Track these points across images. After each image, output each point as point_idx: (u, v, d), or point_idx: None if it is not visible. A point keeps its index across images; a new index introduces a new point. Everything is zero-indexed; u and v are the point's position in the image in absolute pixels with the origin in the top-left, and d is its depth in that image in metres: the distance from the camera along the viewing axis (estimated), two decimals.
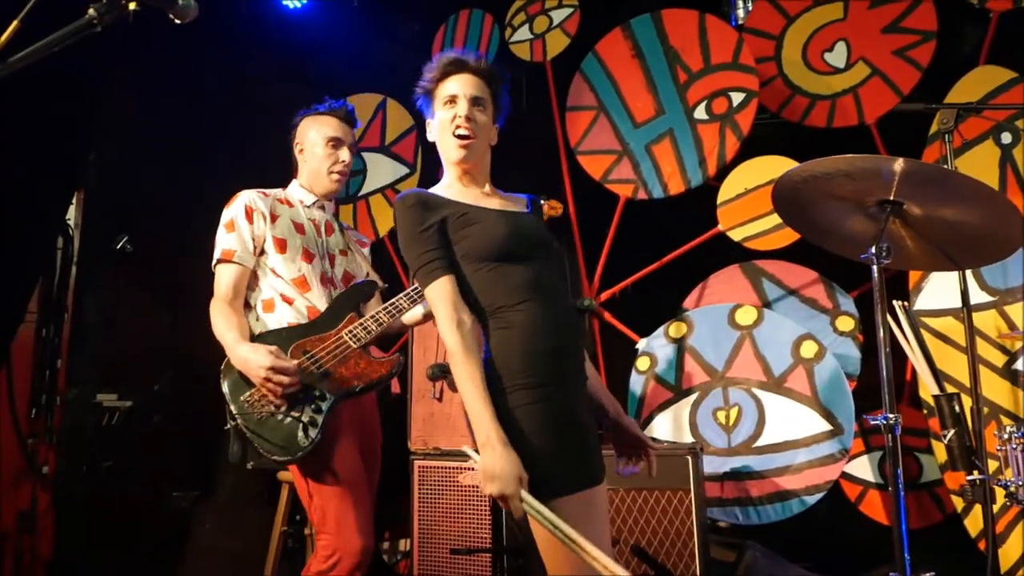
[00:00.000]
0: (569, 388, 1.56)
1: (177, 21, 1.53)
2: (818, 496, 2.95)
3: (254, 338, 2.06)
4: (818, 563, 3.02)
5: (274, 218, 2.16)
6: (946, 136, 2.15)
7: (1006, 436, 1.76)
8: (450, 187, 1.70)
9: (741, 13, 3.88)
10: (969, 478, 1.85)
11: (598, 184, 3.64)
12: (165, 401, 3.54)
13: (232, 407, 1.97)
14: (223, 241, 2.12)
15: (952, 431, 2.04)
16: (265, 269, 2.14)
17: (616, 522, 2.56)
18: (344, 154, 2.25)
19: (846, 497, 3.16)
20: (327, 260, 2.23)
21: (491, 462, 1.38)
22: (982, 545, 2.86)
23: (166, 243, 3.70)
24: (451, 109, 1.67)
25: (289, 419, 1.96)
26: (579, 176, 3.72)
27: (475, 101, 1.67)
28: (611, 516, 2.57)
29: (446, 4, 4.17)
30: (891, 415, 1.65)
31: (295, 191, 2.29)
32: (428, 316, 2.21)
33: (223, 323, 2.03)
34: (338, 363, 2.05)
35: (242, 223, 2.12)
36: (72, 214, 3.48)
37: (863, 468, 3.17)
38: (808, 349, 3.07)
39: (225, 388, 2.00)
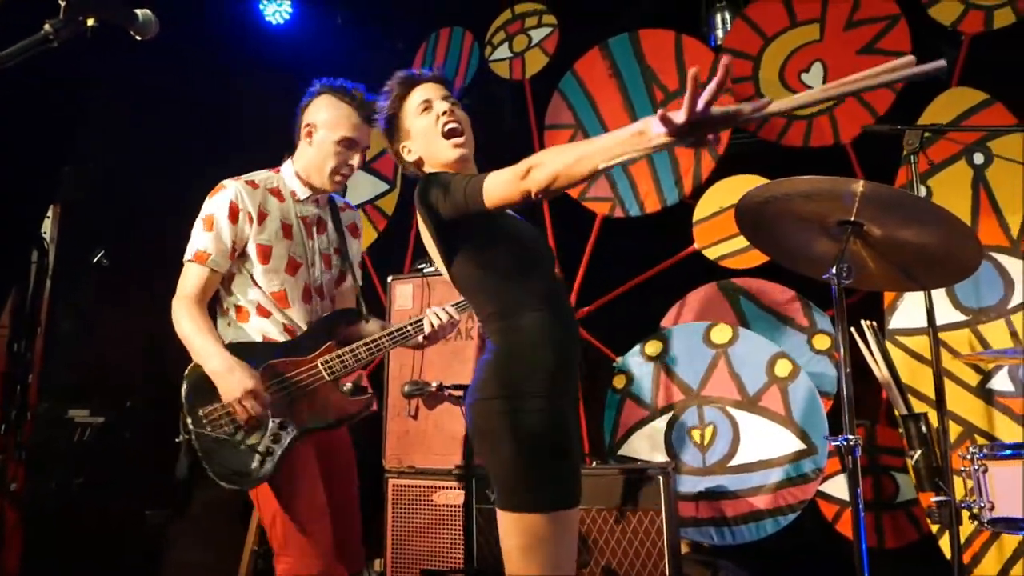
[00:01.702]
0: (571, 402, 1.56)
1: (138, 38, 1.52)
2: (792, 516, 2.94)
3: (226, 347, 1.91)
4: None
5: (262, 217, 1.95)
6: (912, 157, 2.17)
7: (968, 457, 1.76)
8: None
9: (720, 33, 3.92)
10: (934, 499, 1.84)
11: (575, 201, 3.65)
12: (138, 417, 3.51)
13: (188, 419, 1.85)
14: (198, 239, 1.93)
15: (919, 452, 2.03)
16: (244, 274, 1.98)
17: (587, 542, 2.54)
18: (355, 159, 2.03)
19: (823, 516, 3.14)
20: (315, 266, 2.06)
21: None
22: (964, 558, 2.86)
23: (145, 258, 3.69)
24: (429, 112, 1.66)
25: (246, 445, 1.84)
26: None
27: (449, 100, 1.68)
28: (582, 536, 2.55)
29: (427, 22, 4.20)
30: (851, 436, 1.64)
31: (289, 179, 2.04)
32: (422, 345, 2.10)
33: (192, 325, 1.86)
34: (307, 393, 1.93)
35: (223, 223, 1.92)
36: (48, 227, 3.47)
37: (840, 487, 3.15)
38: (782, 368, 3.07)
39: (184, 394, 1.86)
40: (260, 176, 2.04)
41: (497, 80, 3.99)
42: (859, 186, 1.68)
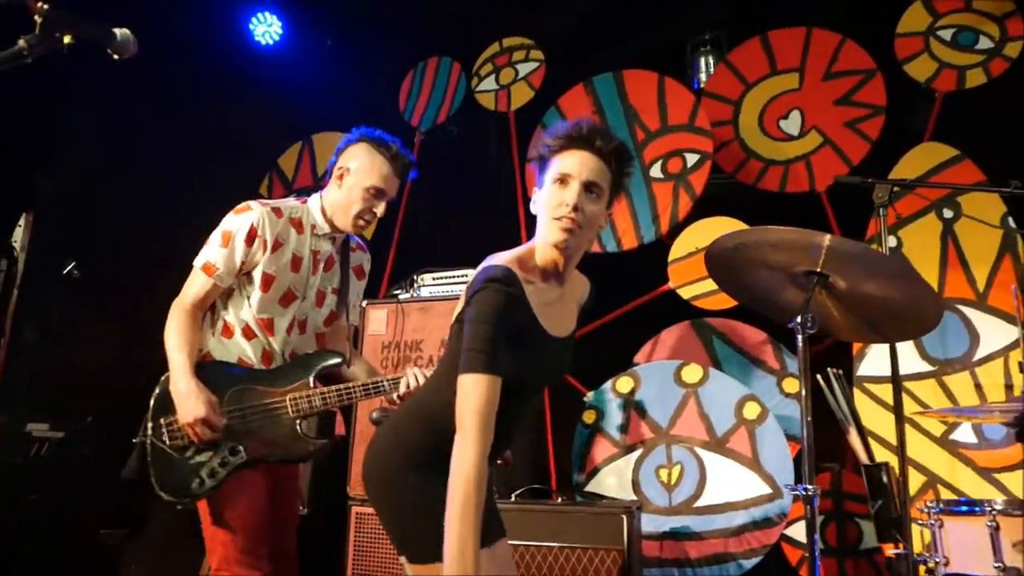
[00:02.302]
0: None
1: (116, 56, 1.52)
2: (756, 560, 2.93)
3: (202, 363, 1.97)
4: None
5: (277, 247, 2.01)
6: (881, 210, 2.21)
7: (925, 511, 1.77)
8: (531, 273, 1.56)
9: (703, 77, 4.00)
10: (891, 552, 1.85)
11: None
12: (98, 433, 3.43)
13: (149, 423, 1.92)
14: (211, 251, 1.99)
15: (879, 502, 2.04)
16: (243, 294, 2.04)
17: None
18: (379, 207, 2.09)
19: (787, 561, 3.13)
20: (309, 301, 2.10)
21: None
22: None
23: (118, 271, 3.65)
24: (561, 191, 1.51)
25: (195, 460, 1.90)
26: (535, 226, 3.75)
27: (589, 187, 1.51)
28: (534, 572, 2.52)
29: (416, 49, 4.24)
30: (809, 487, 1.64)
31: (314, 213, 2.10)
32: (394, 402, 2.07)
33: (177, 339, 1.93)
34: (266, 425, 1.96)
35: (239, 244, 1.97)
36: (19, 236, 3.42)
37: (804, 532, 3.16)
38: (751, 410, 3.09)
39: (153, 399, 1.94)
40: (286, 205, 2.08)
41: (483, 111, 4.03)
42: (826, 239, 1.70)
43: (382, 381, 2.04)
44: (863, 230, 3.19)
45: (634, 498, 3.10)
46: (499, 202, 3.90)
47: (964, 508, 1.67)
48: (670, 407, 3.22)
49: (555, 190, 1.53)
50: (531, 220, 4.16)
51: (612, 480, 3.20)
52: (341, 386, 2.01)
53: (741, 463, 3.04)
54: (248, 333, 2.03)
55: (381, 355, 3.30)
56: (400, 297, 3.37)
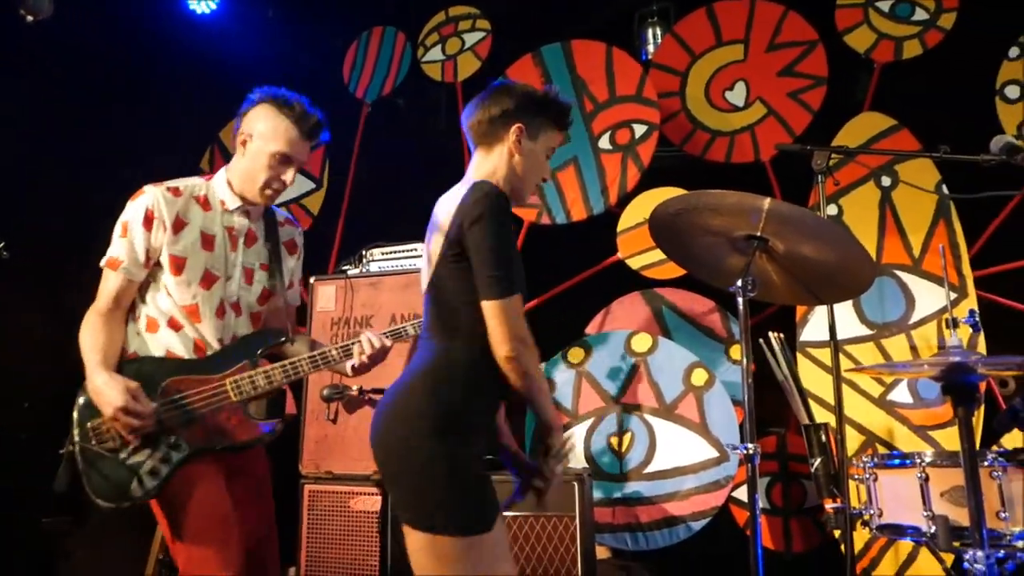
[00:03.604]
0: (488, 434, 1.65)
1: (29, 18, 1.45)
2: (704, 522, 3.01)
3: (127, 361, 1.86)
4: None
5: (179, 227, 1.89)
6: (819, 177, 2.26)
7: (861, 466, 1.83)
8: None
9: (651, 48, 4.00)
10: (830, 506, 1.91)
11: None
12: (37, 419, 3.31)
13: (76, 430, 1.80)
14: (114, 246, 1.89)
15: (818, 460, 2.11)
16: (159, 283, 1.91)
17: None
18: (288, 175, 1.95)
19: (735, 522, 3.23)
20: (236, 281, 1.97)
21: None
22: (858, 569, 2.98)
23: (48, 254, 3.50)
24: (546, 162, 1.79)
25: (132, 460, 1.79)
26: None
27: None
28: None
29: (360, 20, 4.14)
30: (750, 445, 1.69)
31: (220, 188, 1.97)
32: (348, 373, 2.00)
33: (90, 341, 1.83)
34: (209, 412, 1.86)
35: (137, 230, 1.87)
36: None
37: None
38: (699, 377, 3.15)
39: (77, 407, 1.82)
40: (186, 183, 1.96)
41: (430, 82, 3.96)
42: (765, 203, 1.74)
43: (329, 351, 1.95)
44: (806, 199, 3.26)
45: (586, 466, 3.15)
46: (448, 174, 3.84)
47: (896, 462, 1.74)
48: (621, 376, 3.26)
49: (544, 160, 1.77)
50: None
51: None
52: (286, 361, 1.92)
53: (690, 429, 3.11)
54: (174, 324, 1.91)
55: (330, 331, 3.26)
56: (349, 272, 3.32)
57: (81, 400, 1.83)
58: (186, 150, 4.25)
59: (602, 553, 3.09)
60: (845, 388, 3.08)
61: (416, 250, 3.28)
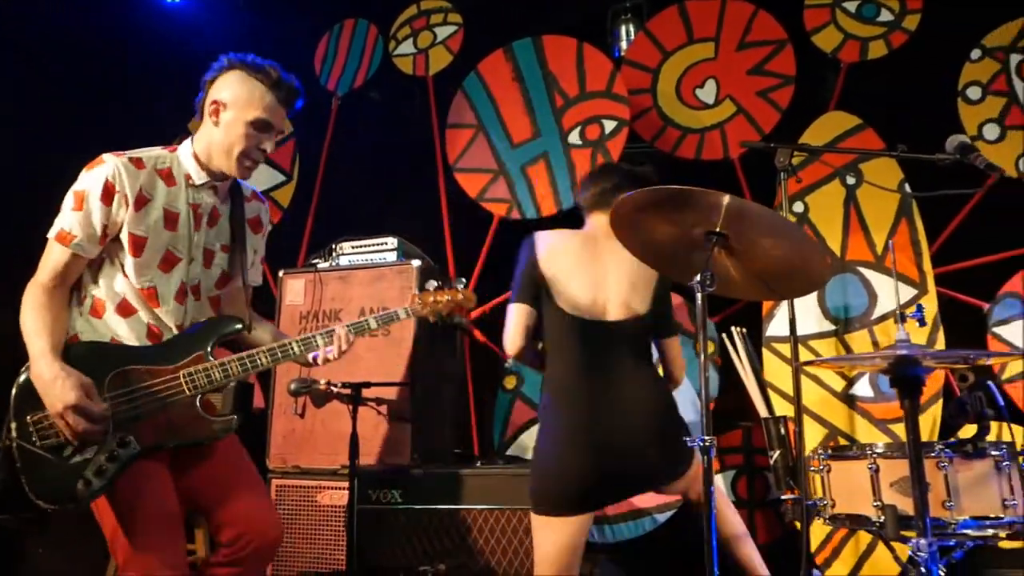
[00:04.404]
0: None
1: None
2: (669, 513, 3.04)
3: (69, 344, 1.70)
4: None
5: (142, 203, 1.73)
6: (782, 175, 2.28)
7: (816, 458, 1.87)
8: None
9: (624, 44, 4.02)
10: (786, 497, 1.95)
11: (473, 202, 3.67)
12: None
13: (13, 424, 1.63)
14: (65, 217, 1.71)
15: (777, 452, 2.14)
16: (115, 263, 1.76)
17: (456, 542, 2.55)
18: (268, 143, 1.81)
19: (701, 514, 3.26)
20: (196, 262, 1.84)
21: None
22: (819, 559, 3.04)
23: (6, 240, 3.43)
24: None
25: (75, 459, 1.63)
26: (456, 193, 3.74)
27: None
28: (453, 535, 2.55)
29: (332, 11, 4.11)
30: (706, 438, 1.71)
31: (186, 161, 1.81)
32: (310, 364, 1.93)
33: (35, 321, 1.66)
34: (161, 408, 1.72)
35: (95, 204, 1.70)
36: None
37: (717, 486, 3.30)
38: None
39: (14, 395, 1.66)
40: (149, 155, 1.79)
41: (402, 75, 3.95)
42: (724, 199, 1.76)
43: (289, 343, 1.86)
44: (774, 196, 3.29)
45: None
46: (420, 169, 3.85)
47: (849, 453, 1.77)
48: None
49: None
50: (451, 186, 4.12)
51: (533, 443, 3.24)
52: (244, 354, 1.80)
53: None
54: (125, 309, 1.76)
55: (299, 325, 3.24)
56: (319, 266, 3.31)
57: (19, 385, 1.67)
58: (156, 141, 4.19)
59: None
60: (809, 383, 3.14)
61: (386, 244, 3.27)
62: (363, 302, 3.20)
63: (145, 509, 1.69)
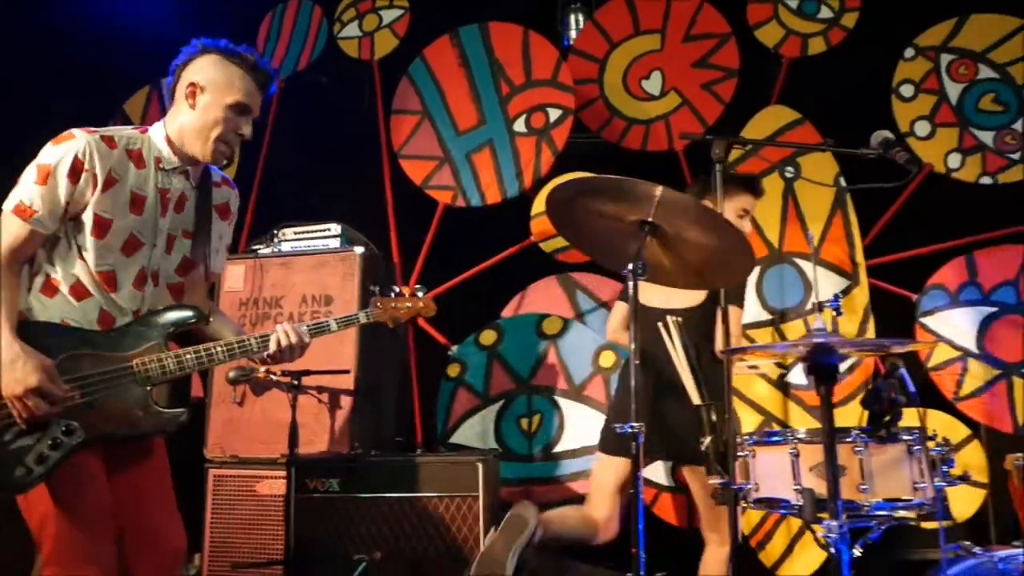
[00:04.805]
0: None
1: None
2: None
3: (22, 324, 1.64)
4: (611, 564, 3.16)
5: (110, 183, 1.68)
6: (717, 166, 2.31)
7: (742, 444, 1.92)
8: None
9: (573, 33, 4.02)
10: (713, 482, 1.99)
11: (418, 189, 3.64)
12: None
13: None
14: (26, 189, 1.65)
15: (709, 438, 2.19)
16: (71, 240, 1.70)
17: (395, 530, 2.55)
18: (246, 128, 1.79)
19: (641, 500, 3.32)
20: (160, 248, 1.79)
21: None
22: (752, 542, 3.13)
23: None
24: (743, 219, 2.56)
25: (17, 445, 1.58)
26: (400, 179, 3.70)
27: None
28: (392, 523, 2.55)
29: None
30: (635, 424, 1.74)
31: (158, 143, 1.77)
32: (265, 362, 1.89)
33: None
34: (110, 395, 1.67)
35: (61, 180, 1.64)
36: None
37: (657, 472, 3.36)
38: (607, 359, 3.22)
39: None
40: (121, 134, 1.74)
41: (347, 58, 3.89)
42: (657, 190, 1.78)
43: (248, 340, 1.83)
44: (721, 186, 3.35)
45: (495, 447, 3.19)
46: (365, 154, 3.80)
47: (772, 438, 1.82)
48: (531, 358, 3.31)
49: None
50: (396, 172, 4.07)
51: (476, 431, 3.27)
52: (200, 347, 1.77)
53: (597, 409, 3.18)
54: (79, 291, 1.71)
55: (239, 312, 3.18)
56: (260, 252, 3.24)
57: None
58: (88, 122, 4.04)
59: None
60: (747, 371, 3.22)
61: (329, 230, 3.23)
62: (305, 289, 3.15)
63: (80, 501, 1.64)
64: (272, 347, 1.83)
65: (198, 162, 1.82)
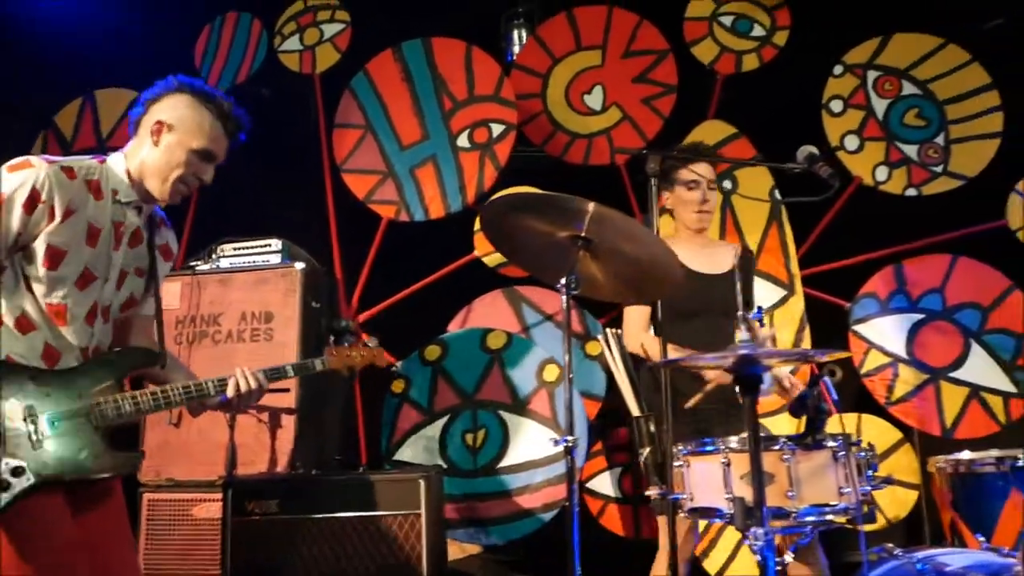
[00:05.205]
0: None
1: None
2: (554, 512, 3.10)
3: None
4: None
5: (69, 213, 1.63)
6: (652, 180, 2.36)
7: (678, 454, 1.94)
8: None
9: (516, 49, 4.06)
10: (649, 492, 2.02)
11: (360, 203, 3.62)
12: None
13: None
14: None
15: (647, 449, 2.21)
16: (18, 272, 1.64)
17: (336, 550, 2.50)
18: (208, 174, 1.78)
19: (588, 511, 3.34)
20: (112, 282, 1.75)
21: None
22: (697, 551, 3.16)
23: None
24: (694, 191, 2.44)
25: None
26: (343, 194, 3.67)
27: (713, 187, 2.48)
28: (332, 544, 2.51)
29: (214, 3, 3.95)
30: (570, 438, 1.75)
31: (115, 176, 1.74)
32: (222, 407, 1.87)
33: None
34: (63, 437, 1.61)
35: (16, 210, 1.58)
36: None
37: (604, 484, 3.38)
38: (550, 373, 3.24)
39: None
40: (80, 164, 1.70)
41: (289, 72, 3.85)
42: (589, 206, 1.80)
43: (205, 383, 1.80)
44: (656, 201, 3.42)
45: (440, 464, 3.16)
46: (306, 169, 3.75)
47: (705, 448, 1.85)
48: (476, 373, 3.30)
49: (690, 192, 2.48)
50: (338, 186, 4.02)
51: (420, 447, 3.24)
52: (157, 389, 1.74)
53: (541, 423, 3.19)
54: (24, 325, 1.64)
55: (175, 331, 3.10)
56: (197, 268, 3.17)
57: None
58: (16, 134, 3.90)
59: (452, 548, 3.11)
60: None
61: (270, 245, 3.17)
62: (244, 306, 3.09)
63: (37, 553, 1.56)
64: (231, 392, 1.81)
65: (150, 200, 1.78)
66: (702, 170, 2.45)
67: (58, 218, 1.63)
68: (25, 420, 1.59)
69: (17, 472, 1.54)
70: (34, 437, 1.59)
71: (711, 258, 2.45)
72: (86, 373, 1.68)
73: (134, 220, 1.77)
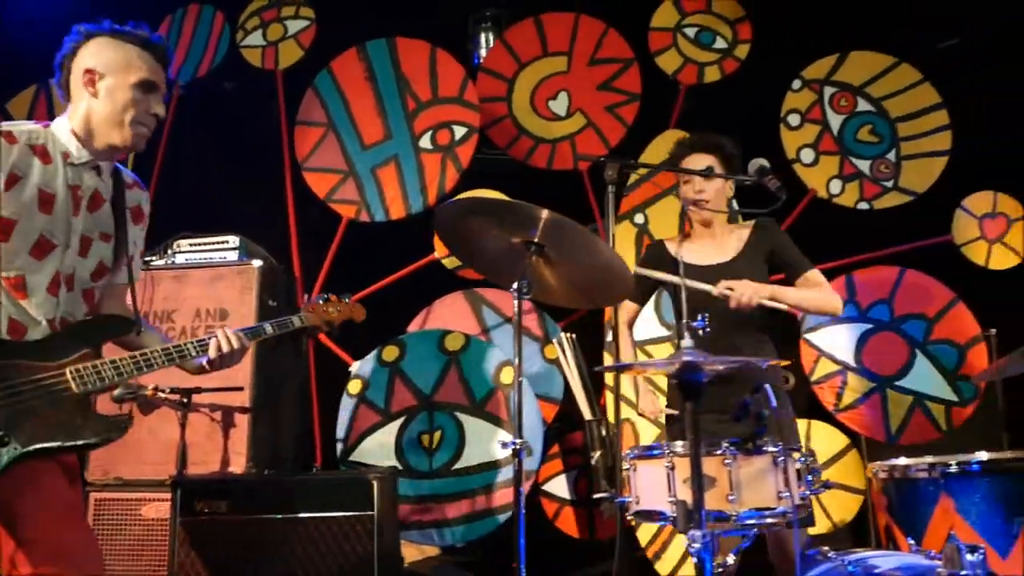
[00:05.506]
0: None
1: None
2: (509, 513, 3.11)
3: None
4: None
5: (14, 180, 1.58)
6: (610, 187, 2.39)
7: (624, 457, 1.97)
8: None
9: (483, 52, 4.08)
10: (598, 495, 2.05)
11: (321, 202, 3.59)
12: None
13: None
14: None
15: (598, 453, 2.24)
16: None
17: (286, 552, 2.48)
18: (158, 106, 1.72)
19: (544, 513, 3.36)
20: (72, 249, 1.69)
21: None
22: (649, 553, 3.21)
23: None
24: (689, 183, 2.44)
25: None
26: (303, 192, 3.64)
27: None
28: (282, 545, 2.49)
29: None
30: (518, 441, 1.77)
31: (63, 137, 1.68)
32: (203, 369, 1.82)
33: None
34: (47, 405, 1.58)
35: None
36: None
37: (560, 487, 3.41)
38: (508, 375, 3.25)
39: None
40: (21, 128, 1.65)
41: (251, 68, 3.81)
42: (543, 213, 1.83)
43: (186, 345, 1.76)
44: (617, 207, 3.46)
45: (396, 465, 3.16)
46: (267, 166, 3.72)
47: (652, 452, 1.88)
48: (433, 374, 3.30)
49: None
50: (299, 184, 3.98)
51: (376, 448, 3.23)
52: (137, 352, 1.69)
53: (497, 425, 3.20)
54: None
55: None
56: (152, 263, 3.12)
57: None
58: None
59: (410, 550, 3.11)
60: (645, 385, 3.31)
61: (228, 242, 3.14)
62: (199, 303, 3.06)
63: (47, 512, 1.57)
64: (212, 352, 1.78)
65: (111, 155, 1.73)
66: (691, 164, 2.41)
67: (3, 182, 1.58)
68: (7, 391, 1.56)
69: (2, 442, 1.53)
70: (19, 405, 1.56)
71: (720, 248, 2.41)
72: (61, 343, 1.64)
73: (91, 182, 1.71)
